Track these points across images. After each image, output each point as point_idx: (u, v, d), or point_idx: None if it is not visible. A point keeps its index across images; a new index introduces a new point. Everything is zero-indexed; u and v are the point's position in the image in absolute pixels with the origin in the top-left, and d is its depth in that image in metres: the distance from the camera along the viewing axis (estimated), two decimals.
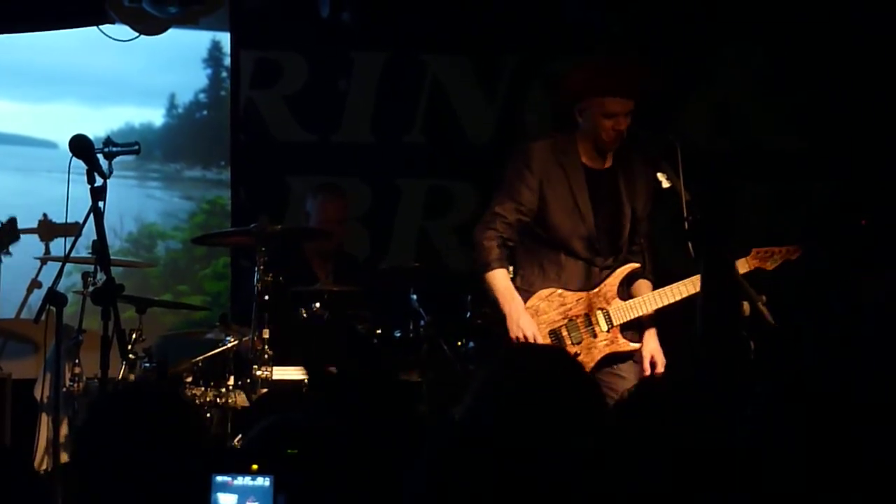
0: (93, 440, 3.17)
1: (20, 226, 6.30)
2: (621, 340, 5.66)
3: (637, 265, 5.71)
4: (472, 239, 5.66)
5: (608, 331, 5.63)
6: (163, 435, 3.14)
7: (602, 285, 5.64)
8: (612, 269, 5.68)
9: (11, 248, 6.34)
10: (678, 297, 5.63)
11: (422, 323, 6.74)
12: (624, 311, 5.65)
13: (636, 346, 5.68)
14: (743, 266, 5.65)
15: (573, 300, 5.62)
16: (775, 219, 8.17)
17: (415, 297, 6.84)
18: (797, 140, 8.27)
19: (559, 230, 5.61)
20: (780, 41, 8.24)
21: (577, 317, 5.62)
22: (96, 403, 3.76)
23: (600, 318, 5.63)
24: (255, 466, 3.10)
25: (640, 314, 5.66)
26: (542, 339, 5.50)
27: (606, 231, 5.66)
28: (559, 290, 5.61)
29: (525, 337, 5.45)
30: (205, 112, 8.40)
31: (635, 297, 5.69)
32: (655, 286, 5.72)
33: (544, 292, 5.62)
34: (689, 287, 5.59)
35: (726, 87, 8.33)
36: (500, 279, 5.55)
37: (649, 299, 5.66)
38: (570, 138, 5.63)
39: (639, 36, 7.97)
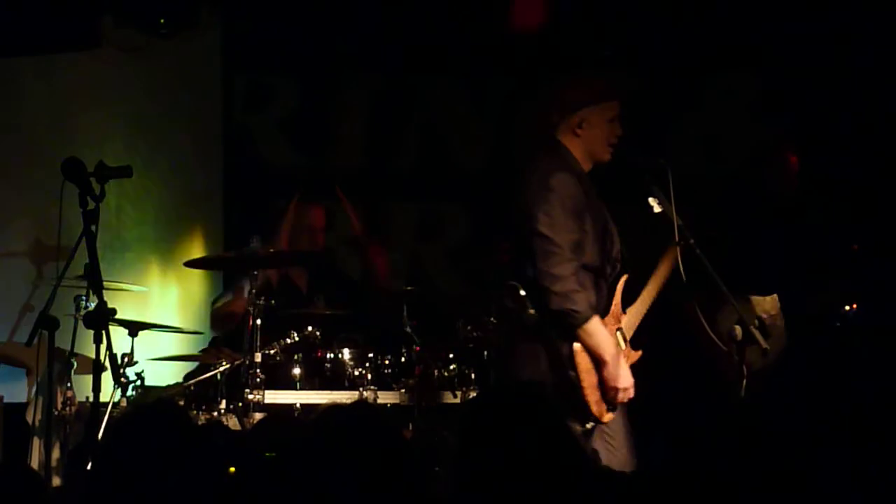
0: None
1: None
2: (632, 352, 5.53)
3: (626, 274, 5.56)
4: (547, 285, 5.24)
5: (625, 347, 5.49)
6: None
7: (614, 305, 5.47)
8: (614, 283, 5.49)
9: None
10: (660, 284, 5.55)
11: (414, 346, 6.73)
12: (630, 324, 5.51)
13: (639, 353, 5.57)
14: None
15: (609, 329, 5.42)
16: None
17: (407, 320, 6.84)
18: None
19: (594, 254, 5.42)
20: (771, 70, 8.25)
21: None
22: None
23: (619, 338, 5.46)
24: (231, 469, 3.06)
25: (640, 319, 5.53)
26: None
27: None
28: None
29: (622, 389, 5.32)
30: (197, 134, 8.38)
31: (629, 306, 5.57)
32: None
33: None
34: (663, 271, 5.53)
35: (717, 114, 8.32)
36: (601, 327, 5.31)
37: (641, 301, 5.53)
38: (571, 155, 5.47)
39: (631, 61, 7.99)
